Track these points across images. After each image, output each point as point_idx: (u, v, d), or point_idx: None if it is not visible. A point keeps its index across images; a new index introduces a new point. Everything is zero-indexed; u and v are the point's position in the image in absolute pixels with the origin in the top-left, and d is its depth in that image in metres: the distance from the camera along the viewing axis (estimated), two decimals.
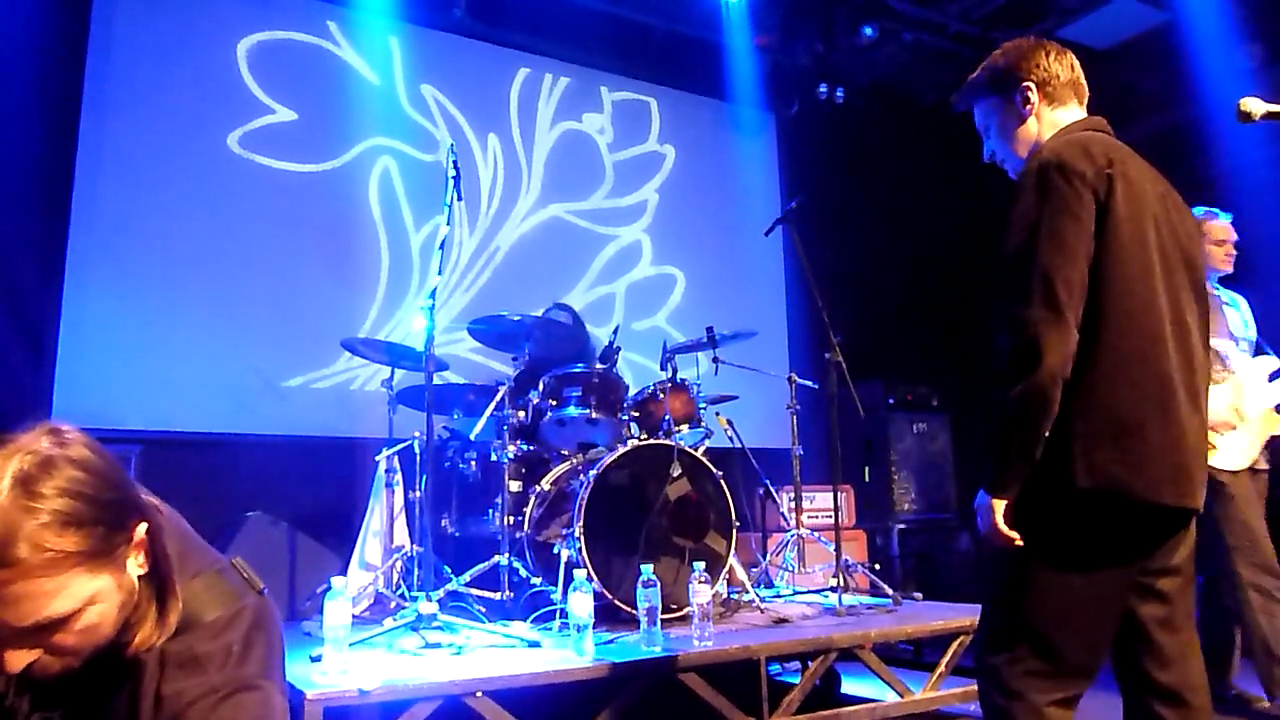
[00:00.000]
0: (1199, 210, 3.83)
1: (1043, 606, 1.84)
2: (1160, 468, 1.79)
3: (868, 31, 6.18)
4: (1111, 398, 1.80)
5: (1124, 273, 1.82)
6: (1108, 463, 1.78)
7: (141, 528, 1.28)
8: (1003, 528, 1.85)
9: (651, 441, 3.99)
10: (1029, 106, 2.08)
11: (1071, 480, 1.79)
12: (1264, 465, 3.83)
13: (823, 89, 6.83)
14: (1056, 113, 2.08)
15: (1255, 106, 1.70)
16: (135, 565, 1.27)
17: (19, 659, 1.19)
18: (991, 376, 1.87)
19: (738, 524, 3.97)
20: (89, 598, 1.20)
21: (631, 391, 4.43)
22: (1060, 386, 1.78)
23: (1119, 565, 1.84)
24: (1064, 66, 2.09)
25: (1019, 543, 1.85)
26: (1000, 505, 1.85)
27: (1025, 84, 2.08)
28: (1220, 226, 3.85)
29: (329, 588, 2.83)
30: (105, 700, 1.33)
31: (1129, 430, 1.79)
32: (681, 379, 4.42)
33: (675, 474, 3.89)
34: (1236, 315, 3.93)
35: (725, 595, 4.07)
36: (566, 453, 4.38)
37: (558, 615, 3.52)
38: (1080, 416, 1.80)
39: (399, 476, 4.40)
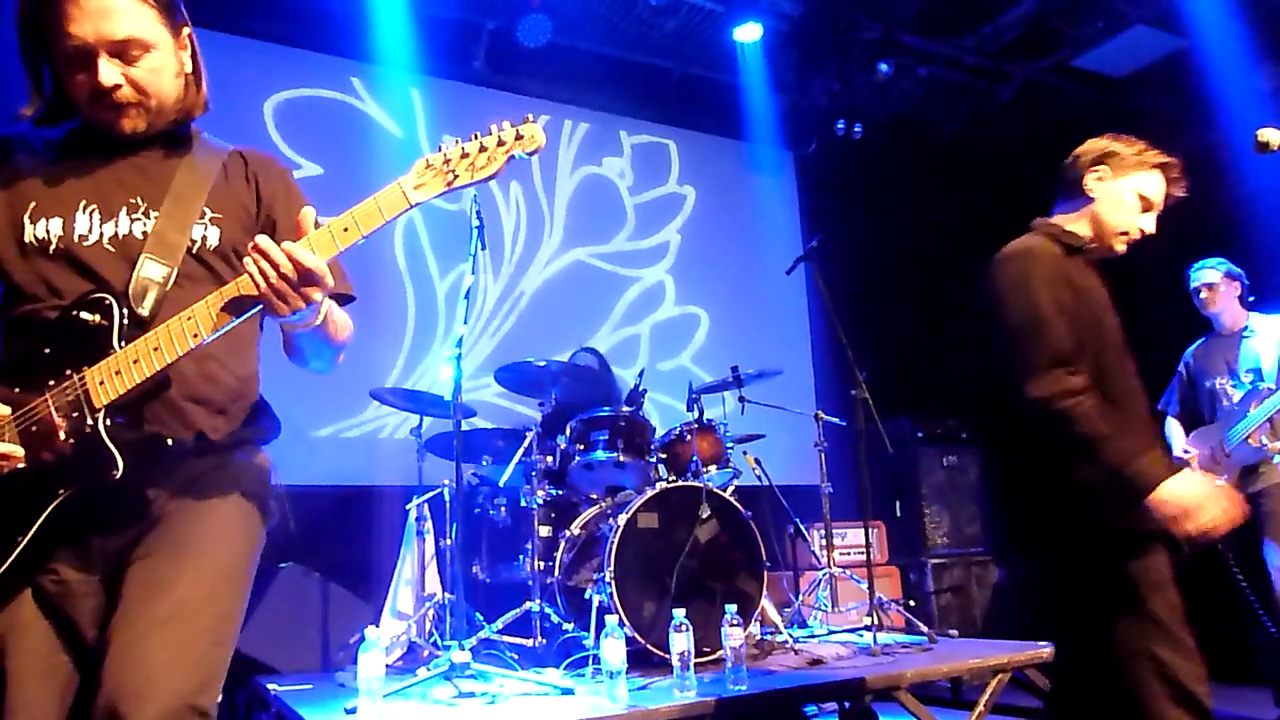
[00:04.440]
0: None
1: None
2: None
3: (883, 68, 6.20)
4: None
5: None
6: None
7: (188, 31, 1.68)
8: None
9: (680, 483, 3.99)
10: None
11: None
12: None
13: (840, 125, 6.86)
14: None
15: (1274, 137, 1.71)
16: (186, 56, 1.68)
17: (111, 73, 1.56)
18: None
19: (768, 564, 3.95)
20: (155, 39, 1.59)
21: (658, 433, 4.43)
22: None
23: None
24: None
25: None
26: None
27: None
28: None
29: (362, 638, 2.85)
30: None
31: None
32: (708, 419, 4.43)
33: (704, 515, 3.88)
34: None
35: (758, 637, 4.04)
36: (595, 496, 4.38)
37: (590, 661, 3.51)
38: None
39: (429, 524, 4.42)
